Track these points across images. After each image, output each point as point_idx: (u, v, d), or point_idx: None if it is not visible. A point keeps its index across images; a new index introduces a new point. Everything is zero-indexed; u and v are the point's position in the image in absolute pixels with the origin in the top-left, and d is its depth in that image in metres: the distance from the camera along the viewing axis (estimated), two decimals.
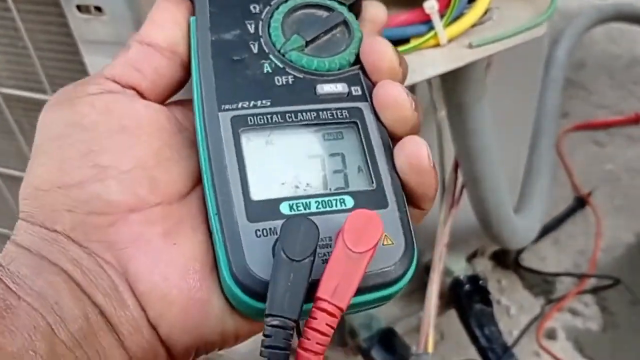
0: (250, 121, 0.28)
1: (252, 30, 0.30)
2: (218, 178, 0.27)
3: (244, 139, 0.27)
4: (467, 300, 0.85)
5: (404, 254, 0.26)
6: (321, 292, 0.23)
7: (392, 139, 0.29)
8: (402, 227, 0.27)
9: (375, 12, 0.33)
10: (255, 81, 0.29)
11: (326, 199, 0.27)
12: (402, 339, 0.80)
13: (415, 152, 0.28)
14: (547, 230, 1.08)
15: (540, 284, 1.05)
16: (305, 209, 0.26)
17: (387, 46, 0.30)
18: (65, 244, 0.26)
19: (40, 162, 0.28)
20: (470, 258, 0.95)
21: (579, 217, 1.15)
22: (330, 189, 0.27)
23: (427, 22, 0.46)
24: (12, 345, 0.23)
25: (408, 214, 0.27)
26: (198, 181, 0.29)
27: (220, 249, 0.26)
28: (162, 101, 0.31)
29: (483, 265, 1.00)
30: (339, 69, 0.30)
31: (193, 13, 0.31)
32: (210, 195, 0.27)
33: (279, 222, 0.25)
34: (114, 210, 0.27)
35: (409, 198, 0.28)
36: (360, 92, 0.29)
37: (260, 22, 0.30)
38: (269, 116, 0.28)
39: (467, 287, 0.86)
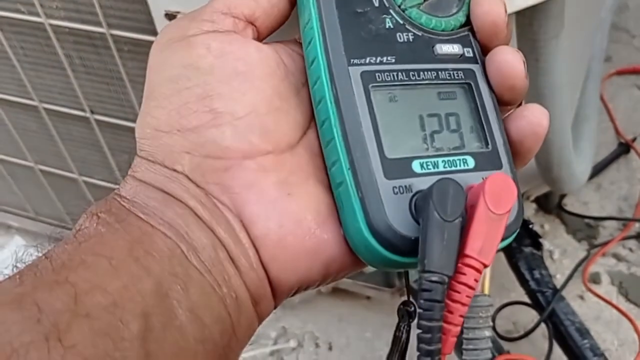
0: (379, 78, 0.28)
1: None
2: (352, 133, 0.27)
3: (374, 96, 0.27)
4: (517, 243, 0.84)
5: (518, 210, 0.28)
6: (469, 250, 0.25)
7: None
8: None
9: None
10: (379, 36, 0.29)
11: (451, 158, 0.28)
12: None
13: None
14: (590, 175, 1.06)
15: (584, 228, 1.04)
16: (434, 168, 0.27)
17: (501, 7, 0.29)
18: (186, 183, 0.27)
19: (159, 104, 0.28)
20: None
21: (622, 163, 1.13)
22: (449, 148, 0.28)
23: None
24: (157, 267, 0.24)
25: (515, 172, 0.29)
26: (304, 132, 0.29)
27: (355, 202, 0.26)
28: (266, 36, 0.31)
29: (527, 210, 0.99)
30: (452, 30, 0.30)
31: None
32: (341, 149, 0.27)
33: (412, 180, 0.27)
34: (229, 156, 0.27)
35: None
36: (471, 54, 0.30)
37: None
38: (394, 74, 0.28)
39: None
